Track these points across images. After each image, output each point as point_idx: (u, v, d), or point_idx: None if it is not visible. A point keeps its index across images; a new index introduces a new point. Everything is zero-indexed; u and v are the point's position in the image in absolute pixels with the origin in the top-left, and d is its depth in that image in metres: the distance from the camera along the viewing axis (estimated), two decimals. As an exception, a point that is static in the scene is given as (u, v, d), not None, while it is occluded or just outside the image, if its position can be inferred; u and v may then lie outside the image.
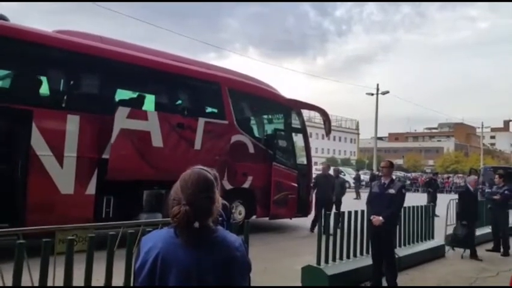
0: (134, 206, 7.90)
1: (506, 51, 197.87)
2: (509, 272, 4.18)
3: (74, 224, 4.01)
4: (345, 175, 33.87)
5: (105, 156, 7.28)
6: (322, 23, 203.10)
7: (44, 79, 7.44)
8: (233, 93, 9.55)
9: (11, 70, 7.10)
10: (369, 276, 5.72)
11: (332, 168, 12.65)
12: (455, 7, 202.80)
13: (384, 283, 5.63)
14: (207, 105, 9.73)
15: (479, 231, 9.61)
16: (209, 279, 1.42)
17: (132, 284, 1.51)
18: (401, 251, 6.78)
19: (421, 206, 7.90)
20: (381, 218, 5.51)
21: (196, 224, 1.45)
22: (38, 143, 6.61)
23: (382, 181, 5.85)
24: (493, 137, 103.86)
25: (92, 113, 7.35)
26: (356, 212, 6.22)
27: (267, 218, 10.27)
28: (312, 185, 10.98)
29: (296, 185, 10.51)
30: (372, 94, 32.96)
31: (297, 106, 11.29)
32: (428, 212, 8.09)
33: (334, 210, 9.40)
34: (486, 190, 13.20)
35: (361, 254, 6.25)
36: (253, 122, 11.09)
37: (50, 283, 3.18)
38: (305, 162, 11.52)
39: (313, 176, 11.49)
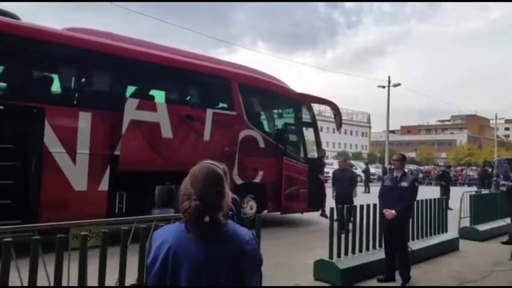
0: (146, 201, 7.97)
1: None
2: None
3: (88, 220, 4.05)
4: (356, 169, 33.82)
5: (117, 152, 7.34)
6: (332, 15, 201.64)
7: (55, 77, 7.52)
8: (243, 88, 9.54)
9: (24, 68, 7.17)
10: (381, 270, 5.70)
11: (338, 161, 12.55)
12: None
13: (397, 276, 5.61)
14: (217, 100, 9.72)
15: (494, 224, 9.53)
16: (220, 273, 1.43)
17: (144, 279, 1.52)
18: (414, 245, 6.74)
19: (434, 199, 7.83)
20: (393, 211, 5.48)
21: (207, 218, 1.45)
22: (51, 140, 6.69)
23: (395, 174, 5.81)
24: (507, 129, 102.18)
25: (104, 110, 7.41)
26: (368, 205, 6.19)
27: (279, 213, 10.27)
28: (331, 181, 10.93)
29: (307, 179, 10.48)
30: (384, 87, 32.63)
31: (307, 100, 11.24)
32: (442, 205, 8.00)
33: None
34: (501, 182, 13.00)
35: (374, 247, 6.22)
36: (263, 116, 11.08)
37: (64, 278, 3.23)
38: (316, 156, 11.47)
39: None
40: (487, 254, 7.69)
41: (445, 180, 15.42)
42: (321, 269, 5.59)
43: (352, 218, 6.16)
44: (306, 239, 8.68)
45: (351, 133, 74.90)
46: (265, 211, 9.93)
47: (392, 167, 6.39)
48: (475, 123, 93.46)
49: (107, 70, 8.01)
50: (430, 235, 7.48)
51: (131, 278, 3.77)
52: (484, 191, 13.41)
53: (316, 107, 13.86)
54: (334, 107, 11.75)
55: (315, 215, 10.83)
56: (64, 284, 3.25)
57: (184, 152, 8.03)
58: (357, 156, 61.50)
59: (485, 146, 76.43)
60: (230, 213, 3.20)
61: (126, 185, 7.56)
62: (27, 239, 3.26)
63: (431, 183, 31.71)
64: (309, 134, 11.42)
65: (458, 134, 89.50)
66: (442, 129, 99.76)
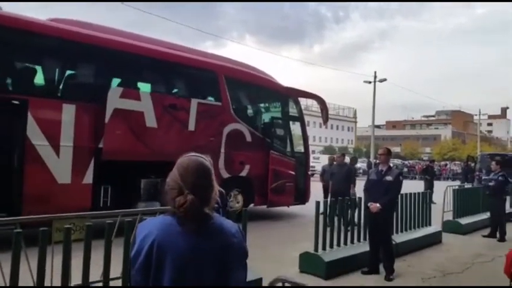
0: (132, 195, 7.92)
1: (503, 37, 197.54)
2: (504, 257, 4.21)
3: (71, 213, 4.00)
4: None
5: (102, 145, 7.26)
6: (320, 10, 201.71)
7: (39, 68, 7.38)
8: (230, 82, 9.50)
9: (6, 59, 7.02)
10: (366, 263, 5.77)
11: (327, 156, 12.53)
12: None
13: (381, 269, 5.68)
14: (204, 94, 9.67)
15: (476, 218, 9.71)
16: (206, 266, 1.42)
17: (129, 272, 1.51)
18: (398, 238, 6.83)
19: (418, 193, 7.94)
20: (378, 204, 5.54)
21: (207, 210, 1.46)
22: (34, 133, 6.58)
23: (380, 168, 5.86)
24: (490, 124, 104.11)
25: (88, 102, 7.31)
26: (354, 199, 6.25)
27: (265, 206, 10.31)
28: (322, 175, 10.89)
29: (294, 173, 10.52)
30: (370, 82, 32.82)
31: (294, 94, 11.25)
32: (425, 199, 8.12)
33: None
34: (483, 177, 13.25)
35: (359, 240, 6.29)
36: (250, 110, 11.07)
37: (48, 272, 3.19)
38: (302, 151, 11.52)
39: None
40: (468, 246, 7.85)
41: (429, 175, 15.64)
42: (306, 261, 5.64)
43: (337, 211, 6.23)
44: (291, 232, 8.73)
45: (338, 128, 75.33)
46: (252, 205, 9.95)
47: (378, 161, 6.46)
48: (459, 119, 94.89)
49: (91, 62, 7.89)
50: (414, 228, 7.59)
51: (116, 271, 3.74)
52: (467, 186, 13.65)
53: (303, 101, 13.87)
54: (321, 102, 11.79)
55: (301, 209, 10.89)
56: (47, 278, 3.20)
57: (169, 141, 8.02)
58: (343, 150, 61.85)
59: (468, 141, 77.68)
60: (216, 206, 3.20)
61: (111, 178, 7.49)
62: (9, 232, 3.21)
63: (415, 178, 32.13)
64: (295, 128, 11.44)
65: (442, 129, 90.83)
66: (426, 125, 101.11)
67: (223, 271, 1.44)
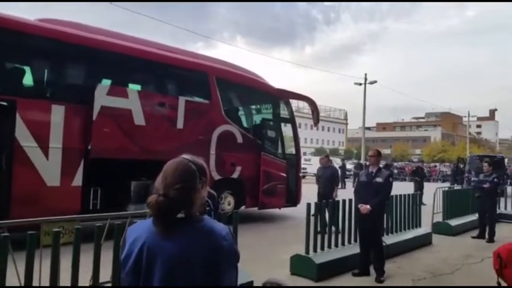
0: (122, 197, 7.85)
1: (493, 39, 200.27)
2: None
3: (60, 216, 3.95)
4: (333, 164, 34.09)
5: (90, 144, 7.20)
6: (310, 12, 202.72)
7: (27, 69, 7.30)
8: (221, 83, 9.49)
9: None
10: (356, 264, 5.78)
11: (319, 158, 12.38)
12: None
13: (372, 271, 5.70)
14: (195, 95, 9.64)
15: (466, 219, 9.80)
16: (196, 269, 1.41)
17: (119, 275, 1.50)
18: (388, 239, 6.86)
19: (408, 195, 7.98)
20: (368, 206, 5.56)
21: (181, 214, 1.45)
22: (23, 134, 6.50)
23: (370, 170, 5.88)
24: (479, 126, 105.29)
25: (77, 103, 7.25)
26: (344, 200, 6.27)
27: (256, 208, 10.30)
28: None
29: (285, 175, 10.53)
30: (360, 84, 32.96)
31: (286, 96, 11.26)
32: (416, 200, 8.17)
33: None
34: (472, 179, 13.37)
35: (349, 242, 6.30)
36: (241, 112, 11.05)
37: (36, 276, 3.14)
38: (294, 152, 11.53)
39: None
40: (458, 248, 7.91)
41: (419, 176, 15.75)
42: (298, 263, 5.64)
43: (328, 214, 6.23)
44: (283, 234, 8.72)
45: (329, 129, 75.61)
46: (243, 206, 9.93)
47: (368, 163, 6.48)
48: (449, 121, 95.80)
49: (80, 62, 7.83)
50: (404, 230, 7.63)
51: (106, 275, 3.70)
52: (457, 187, 13.77)
53: (294, 103, 13.92)
54: (312, 103, 11.82)
55: (292, 211, 10.90)
56: (35, 282, 3.16)
57: (157, 139, 8.02)
58: (334, 152, 62.13)
59: (458, 142, 78.48)
60: (207, 208, 3.19)
61: (101, 180, 7.42)
62: (-4, 236, 3.15)
63: (405, 179, 32.36)
64: (287, 130, 11.46)
65: (432, 131, 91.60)
66: (416, 126, 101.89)
67: (214, 274, 1.43)
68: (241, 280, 3.59)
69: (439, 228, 9.03)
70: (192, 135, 8.68)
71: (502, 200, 11.41)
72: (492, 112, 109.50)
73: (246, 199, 9.91)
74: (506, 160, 28.22)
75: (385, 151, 64.15)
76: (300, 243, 5.92)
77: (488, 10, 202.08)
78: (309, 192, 11.43)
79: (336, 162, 33.04)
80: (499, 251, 3.30)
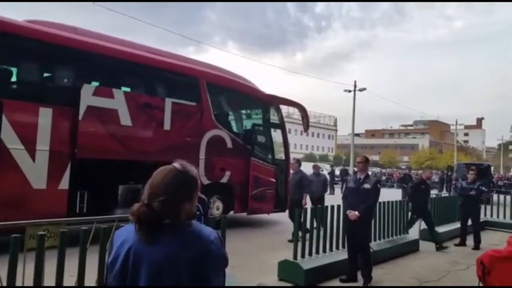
0: (109, 201, 7.77)
1: (480, 49, 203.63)
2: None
3: (45, 219, 3.90)
4: (322, 170, 34.21)
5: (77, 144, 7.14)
6: (302, 19, 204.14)
7: (15, 70, 7.22)
8: (211, 88, 9.48)
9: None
10: (344, 270, 5.79)
11: (312, 164, 12.30)
12: (433, 5, 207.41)
13: (359, 277, 5.71)
14: (185, 100, 9.61)
15: (452, 226, 9.88)
16: (183, 273, 1.40)
17: (105, 279, 1.49)
18: (376, 245, 6.89)
19: (396, 201, 8.04)
20: (356, 212, 5.58)
21: (167, 221, 1.44)
22: (9, 136, 6.42)
23: (358, 176, 5.91)
24: (466, 134, 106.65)
25: (65, 106, 7.19)
26: (332, 206, 6.29)
27: (245, 213, 10.27)
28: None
29: (274, 180, 10.53)
30: (350, 91, 33.22)
31: (276, 102, 11.29)
32: (403, 207, 8.23)
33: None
34: (463, 186, 13.50)
35: (337, 248, 6.32)
36: (231, 116, 11.05)
37: (19, 280, 3.08)
38: (283, 158, 11.53)
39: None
40: (445, 255, 7.98)
41: (407, 183, 15.85)
42: (285, 269, 5.63)
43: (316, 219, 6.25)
44: (271, 240, 8.71)
45: (318, 136, 75.94)
46: (232, 212, 9.90)
47: (356, 169, 6.51)
48: (437, 129, 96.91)
49: (69, 65, 7.78)
50: (392, 236, 7.68)
51: (91, 280, 3.65)
52: (444, 194, 13.89)
53: (284, 109, 13.95)
54: (301, 109, 11.85)
55: (280, 216, 10.89)
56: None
57: (144, 140, 8.04)
58: (324, 158, 62.42)
59: (445, 150, 79.37)
60: (197, 213, 3.17)
61: (88, 183, 7.35)
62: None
63: (393, 186, 32.58)
64: (277, 135, 11.47)
65: (420, 138, 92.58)
66: (405, 134, 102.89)
67: (201, 278, 1.42)
68: (228, 285, 3.56)
69: (427, 235, 9.08)
70: (180, 138, 8.66)
71: (488, 207, 11.54)
72: (479, 121, 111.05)
73: (234, 204, 9.88)
74: (492, 168, 28.66)
75: (374, 158, 64.69)
76: (288, 249, 5.91)
77: (475, 22, 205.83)
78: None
79: (325, 168, 33.32)
80: (482, 258, 3.30)
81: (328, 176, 10.80)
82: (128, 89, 8.72)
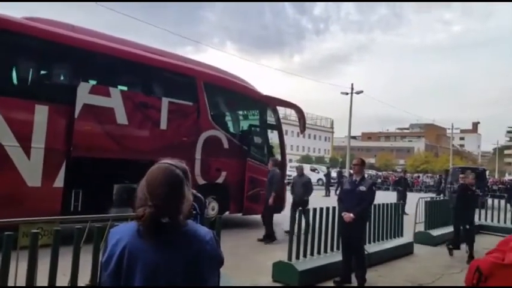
0: (104, 200, 7.74)
1: (478, 54, 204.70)
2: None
3: (39, 217, 3.87)
4: (318, 172, 34.27)
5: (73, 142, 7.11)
6: (300, 21, 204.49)
7: (11, 67, 7.18)
8: (208, 88, 9.47)
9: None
10: (338, 272, 5.79)
11: (309, 166, 12.29)
12: (431, 9, 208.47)
13: (353, 279, 5.72)
14: (182, 99, 9.60)
15: (447, 229, 9.89)
16: (178, 273, 1.40)
17: (98, 278, 1.47)
18: (370, 248, 6.90)
19: (391, 204, 8.05)
20: (351, 214, 5.58)
21: (165, 220, 1.42)
22: (4, 133, 6.38)
23: (354, 178, 5.92)
24: (462, 138, 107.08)
25: (61, 104, 7.16)
26: (327, 208, 6.29)
27: (240, 214, 10.25)
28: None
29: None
30: (347, 93, 33.29)
31: (273, 103, 11.29)
32: (398, 210, 8.25)
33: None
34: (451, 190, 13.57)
35: (332, 250, 6.32)
36: (228, 117, 11.04)
37: (11, 279, 3.06)
38: (280, 159, 11.52)
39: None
40: (439, 257, 7.99)
41: (402, 186, 15.90)
42: (280, 270, 5.62)
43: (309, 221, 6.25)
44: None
45: (315, 137, 76.05)
46: (227, 212, 9.88)
47: (352, 171, 6.52)
48: (433, 132, 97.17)
49: (66, 62, 7.75)
50: (386, 239, 7.69)
51: (84, 278, 3.64)
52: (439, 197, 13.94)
53: (281, 110, 13.93)
54: (298, 111, 11.86)
55: (276, 217, 10.86)
56: (11, 285, 3.08)
57: (140, 139, 8.04)
58: (320, 160, 62.54)
59: (441, 154, 79.58)
60: (194, 212, 3.16)
61: (83, 182, 7.32)
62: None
63: (389, 189, 32.65)
64: (273, 136, 11.47)
65: (416, 141, 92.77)
66: (401, 137, 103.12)
67: (196, 279, 1.42)
68: (222, 286, 3.55)
69: (421, 238, 9.10)
70: (176, 137, 8.65)
71: (483, 211, 11.58)
72: (475, 125, 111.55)
73: (230, 204, 9.87)
74: (487, 172, 28.82)
75: (370, 160, 64.89)
76: (283, 250, 5.91)
77: (473, 27, 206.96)
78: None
79: (321, 170, 33.30)
80: (478, 264, 2.89)
81: (311, 178, 10.40)
82: (124, 88, 8.70)
